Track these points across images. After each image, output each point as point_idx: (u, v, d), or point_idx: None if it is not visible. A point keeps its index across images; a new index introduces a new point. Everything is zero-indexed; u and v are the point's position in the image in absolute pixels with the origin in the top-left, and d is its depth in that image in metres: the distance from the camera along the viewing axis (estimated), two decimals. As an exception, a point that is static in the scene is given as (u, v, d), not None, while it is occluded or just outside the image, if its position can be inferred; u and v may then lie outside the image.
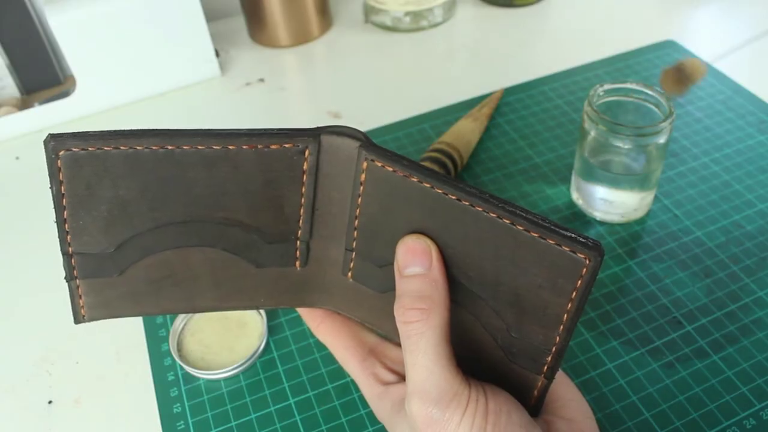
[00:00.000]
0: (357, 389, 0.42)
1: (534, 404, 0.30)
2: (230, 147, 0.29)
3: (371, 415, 0.41)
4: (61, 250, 0.30)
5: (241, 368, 0.43)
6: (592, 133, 0.48)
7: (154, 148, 0.28)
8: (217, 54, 0.73)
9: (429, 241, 0.29)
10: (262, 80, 0.71)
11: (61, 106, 0.67)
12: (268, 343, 0.45)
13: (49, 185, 0.28)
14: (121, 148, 0.28)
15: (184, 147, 0.29)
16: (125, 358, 0.46)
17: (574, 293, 0.26)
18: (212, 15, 0.79)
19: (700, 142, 0.58)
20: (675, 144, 0.58)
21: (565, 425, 0.31)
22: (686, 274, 0.47)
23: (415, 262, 0.28)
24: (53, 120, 0.67)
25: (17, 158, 0.64)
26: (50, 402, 0.44)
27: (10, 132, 0.66)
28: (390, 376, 0.33)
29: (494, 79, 0.68)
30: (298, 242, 0.31)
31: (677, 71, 0.44)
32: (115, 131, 0.28)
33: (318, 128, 0.30)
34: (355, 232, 0.31)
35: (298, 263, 0.32)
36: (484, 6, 0.81)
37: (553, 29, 0.77)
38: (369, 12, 0.79)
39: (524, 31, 0.77)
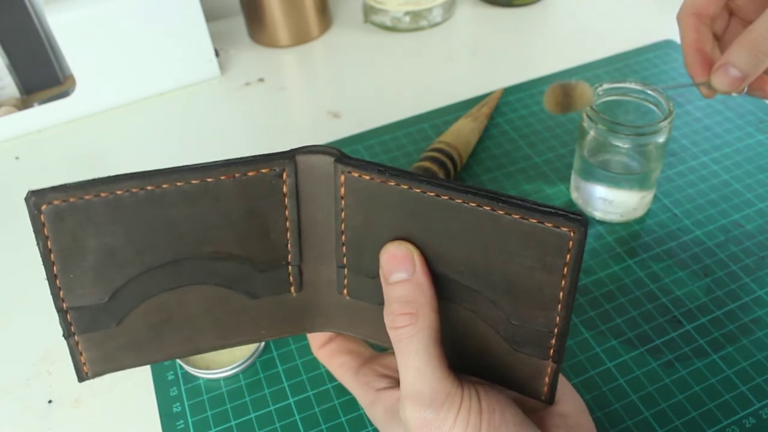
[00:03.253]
0: (357, 388, 0.42)
1: (547, 393, 0.30)
2: (208, 180, 0.28)
3: (371, 415, 0.41)
4: (55, 306, 0.29)
5: (240, 367, 0.43)
6: (592, 133, 0.48)
7: (134, 190, 0.28)
8: (217, 54, 0.73)
9: (410, 246, 0.29)
10: (261, 80, 0.71)
11: (60, 106, 0.67)
12: (267, 343, 0.45)
13: (36, 242, 0.28)
14: (101, 195, 0.27)
15: (163, 186, 0.28)
16: (125, 358, 0.46)
17: (565, 269, 0.26)
18: (212, 15, 0.79)
19: (699, 142, 0.58)
20: (674, 143, 0.58)
21: (559, 420, 0.31)
22: (686, 273, 0.47)
23: (399, 268, 0.29)
24: (53, 120, 0.67)
25: (17, 158, 0.64)
26: (50, 402, 0.44)
27: (10, 132, 0.66)
28: (382, 383, 0.34)
29: (494, 79, 0.68)
30: (290, 267, 0.31)
31: (564, 93, 0.44)
32: (93, 179, 0.27)
33: (292, 150, 0.29)
34: (344, 248, 0.31)
35: (292, 289, 0.32)
36: (484, 6, 0.81)
37: (553, 29, 0.77)
38: (368, 12, 0.79)
39: (524, 31, 0.77)
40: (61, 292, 0.29)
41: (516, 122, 0.62)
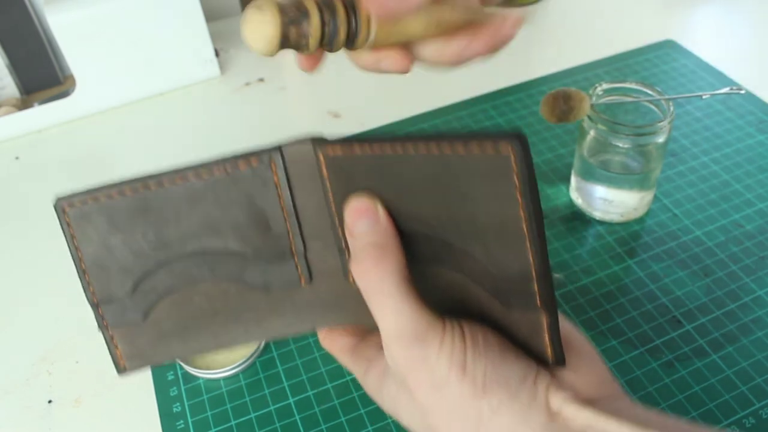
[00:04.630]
0: (356, 388, 0.42)
1: (553, 352, 0.27)
2: (204, 176, 0.30)
3: (371, 414, 0.41)
4: (88, 301, 0.32)
5: (240, 367, 0.43)
6: (592, 133, 0.48)
7: (140, 190, 0.30)
8: (217, 54, 0.73)
9: (372, 197, 0.29)
10: (261, 80, 0.71)
11: (60, 106, 0.67)
12: (267, 343, 0.45)
13: (66, 242, 0.31)
14: (115, 196, 0.30)
15: (165, 184, 0.30)
16: (125, 358, 0.46)
17: (518, 196, 0.24)
18: (212, 15, 0.79)
19: (699, 142, 0.58)
20: (674, 143, 0.58)
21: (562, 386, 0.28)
22: (686, 274, 0.47)
23: (362, 219, 0.29)
24: (53, 120, 0.67)
25: (17, 158, 0.64)
26: (50, 402, 0.44)
27: (10, 132, 0.66)
28: (373, 351, 0.33)
29: (494, 78, 0.68)
30: (296, 257, 0.32)
31: (565, 102, 0.44)
32: (106, 184, 0.31)
33: (280, 143, 0.31)
34: (340, 230, 0.31)
35: (303, 280, 0.33)
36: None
37: (553, 29, 0.77)
38: (369, 12, 0.79)
39: (524, 31, 0.76)
40: (91, 287, 0.32)
41: (516, 122, 0.62)
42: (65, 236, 0.31)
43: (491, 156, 0.24)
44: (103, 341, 0.34)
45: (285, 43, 0.27)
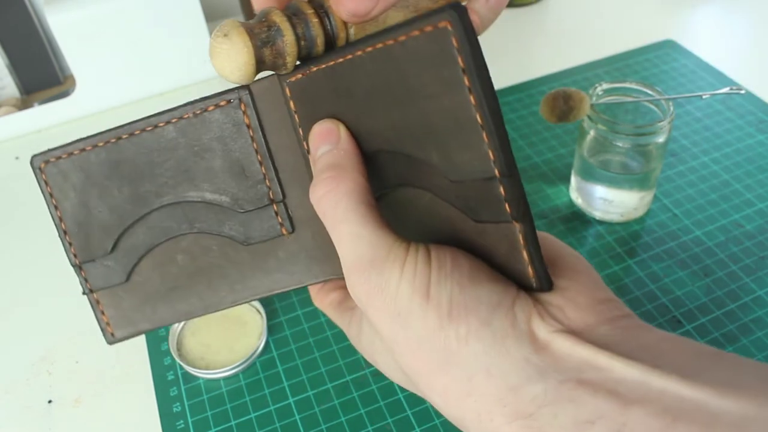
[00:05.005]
0: (356, 388, 0.42)
1: (534, 270, 0.23)
2: (174, 120, 0.29)
3: (371, 414, 0.41)
4: (70, 263, 0.31)
5: (240, 367, 0.43)
6: (592, 133, 0.48)
7: (112, 141, 0.30)
8: (217, 54, 0.73)
9: (334, 121, 0.26)
10: (261, 80, 0.71)
11: (60, 106, 0.67)
12: (267, 343, 0.45)
13: (44, 200, 0.30)
14: (90, 148, 0.30)
15: (136, 132, 0.30)
16: (125, 358, 0.46)
17: (465, 78, 0.21)
18: (212, 15, 0.79)
19: (699, 142, 0.58)
20: (674, 143, 0.58)
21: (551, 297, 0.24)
22: (686, 273, 0.47)
23: (324, 143, 0.26)
24: (53, 120, 0.67)
25: (17, 158, 0.64)
26: (50, 402, 0.44)
27: (10, 132, 0.66)
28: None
29: (494, 78, 0.67)
30: (275, 205, 0.30)
31: (565, 102, 0.44)
32: (83, 137, 0.30)
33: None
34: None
35: (284, 229, 0.31)
36: (484, 6, 0.81)
37: (553, 29, 0.77)
38: (369, 12, 0.79)
39: (524, 31, 0.77)
40: (72, 248, 0.31)
41: (516, 122, 0.62)
42: (43, 195, 0.31)
43: (430, 34, 0.21)
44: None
45: (261, 66, 0.25)
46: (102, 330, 0.33)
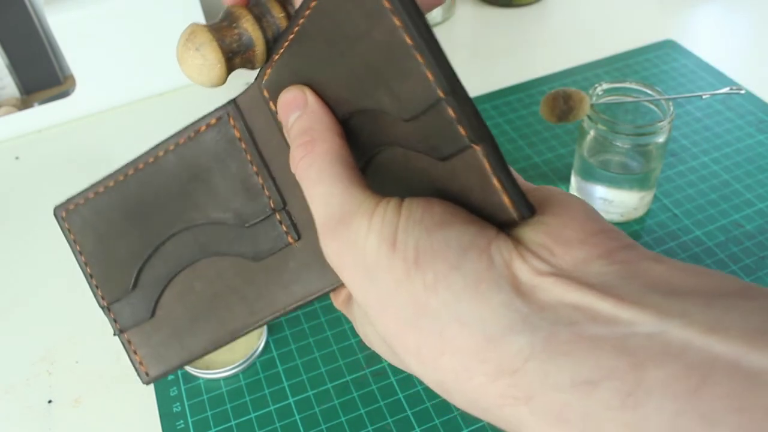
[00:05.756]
0: (356, 388, 0.42)
1: (508, 198, 0.21)
2: (171, 148, 0.30)
3: (371, 414, 0.41)
4: (99, 305, 0.32)
5: (240, 367, 0.43)
6: (592, 133, 0.48)
7: (120, 179, 0.31)
8: (217, 54, 0.73)
9: (299, 86, 0.25)
10: (261, 80, 0.71)
11: (60, 106, 0.67)
12: (267, 343, 0.45)
13: (70, 250, 0.32)
14: (100, 191, 0.31)
15: (140, 167, 0.31)
16: (125, 358, 0.46)
17: (384, 3, 0.20)
18: (212, 15, 0.79)
19: (699, 142, 0.58)
20: (674, 143, 0.58)
21: (553, 220, 0.20)
22: (686, 274, 0.47)
23: (292, 109, 0.25)
24: (53, 120, 0.67)
25: (17, 158, 0.64)
26: (50, 402, 0.44)
27: (10, 132, 0.66)
28: None
29: (494, 78, 0.68)
30: (277, 214, 0.30)
31: (565, 102, 0.44)
32: (95, 182, 0.31)
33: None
34: None
35: (290, 238, 0.30)
36: (484, 6, 0.81)
37: (553, 29, 0.77)
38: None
39: (524, 31, 0.77)
40: (99, 290, 0.32)
41: (516, 122, 0.62)
42: (68, 243, 0.32)
43: None
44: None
45: (229, 72, 0.26)
46: (136, 370, 0.34)
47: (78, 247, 0.32)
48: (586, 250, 0.19)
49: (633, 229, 0.51)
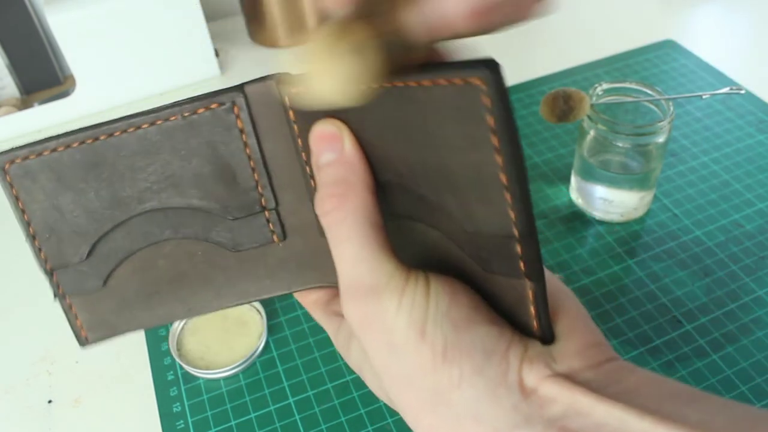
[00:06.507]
0: (356, 388, 0.42)
1: (539, 327, 0.23)
2: (158, 122, 0.27)
3: (371, 414, 0.41)
4: (41, 268, 0.30)
5: (240, 367, 0.43)
6: (592, 133, 0.48)
7: (89, 142, 0.28)
8: (217, 54, 0.73)
9: (338, 123, 0.25)
10: (261, 80, 0.71)
11: (60, 106, 0.67)
12: (267, 343, 0.45)
13: (9, 204, 0.29)
14: (63, 148, 0.28)
15: (116, 134, 0.28)
16: (125, 358, 0.46)
17: (493, 138, 0.20)
18: (212, 15, 0.79)
19: (699, 142, 0.58)
20: (674, 143, 0.58)
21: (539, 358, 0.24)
22: (686, 273, 0.47)
23: (327, 148, 0.25)
24: (53, 120, 0.67)
25: (17, 158, 0.64)
26: (50, 402, 0.44)
27: (10, 132, 0.66)
28: None
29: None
30: (267, 212, 0.29)
31: (565, 102, 0.44)
32: (52, 136, 0.28)
33: (241, 83, 0.28)
34: (312, 180, 0.28)
35: (275, 237, 0.30)
36: (484, 6, 0.81)
37: (553, 29, 0.77)
38: (369, 12, 0.78)
39: (524, 31, 0.76)
40: (42, 253, 0.30)
41: (516, 122, 0.62)
42: (8, 198, 0.29)
43: (460, 88, 0.20)
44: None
45: None
46: (75, 334, 0.31)
47: (21, 204, 0.29)
48: (582, 361, 0.23)
49: (633, 229, 0.51)
